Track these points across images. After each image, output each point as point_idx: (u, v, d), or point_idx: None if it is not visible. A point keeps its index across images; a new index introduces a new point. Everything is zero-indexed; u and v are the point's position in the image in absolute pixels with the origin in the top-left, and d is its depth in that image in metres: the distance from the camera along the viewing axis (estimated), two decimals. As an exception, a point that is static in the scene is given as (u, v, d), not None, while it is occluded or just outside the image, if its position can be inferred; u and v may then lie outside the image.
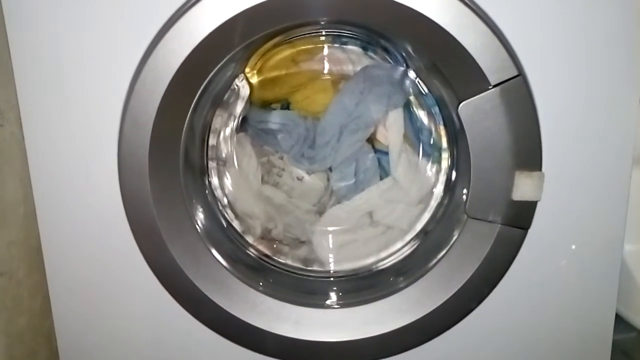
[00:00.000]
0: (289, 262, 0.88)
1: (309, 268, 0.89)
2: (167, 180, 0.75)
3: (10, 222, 0.77)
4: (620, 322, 0.87)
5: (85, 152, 0.74)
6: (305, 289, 0.87)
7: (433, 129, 0.86)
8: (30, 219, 0.79)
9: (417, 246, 0.87)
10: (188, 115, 0.73)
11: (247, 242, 0.88)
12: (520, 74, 0.69)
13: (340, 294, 0.85)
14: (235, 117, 0.86)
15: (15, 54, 0.71)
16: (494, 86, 0.69)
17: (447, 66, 0.72)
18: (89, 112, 0.73)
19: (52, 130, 0.74)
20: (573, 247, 0.78)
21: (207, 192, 0.87)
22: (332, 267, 0.89)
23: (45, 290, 0.82)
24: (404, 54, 0.82)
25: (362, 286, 0.86)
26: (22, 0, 0.69)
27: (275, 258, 0.88)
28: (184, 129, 0.74)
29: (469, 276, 0.77)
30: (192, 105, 0.73)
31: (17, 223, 0.78)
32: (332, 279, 0.88)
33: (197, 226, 0.78)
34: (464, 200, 0.75)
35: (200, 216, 0.82)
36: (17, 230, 0.78)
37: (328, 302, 0.83)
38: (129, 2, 0.69)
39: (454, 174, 0.85)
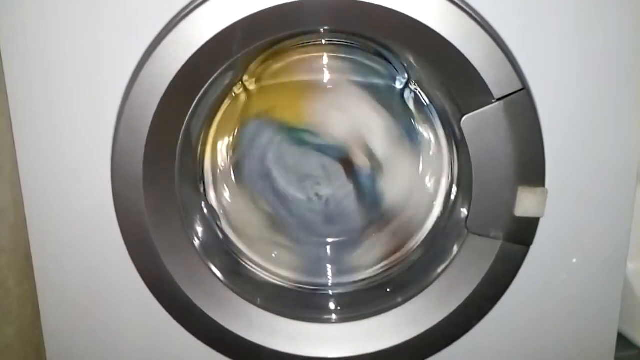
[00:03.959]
0: (286, 274, 0.87)
1: (306, 280, 0.87)
2: (162, 191, 0.73)
3: (0, 229, 0.76)
4: (620, 339, 0.85)
5: (78, 160, 0.72)
6: (302, 302, 0.85)
7: (433, 141, 0.84)
8: (21, 226, 0.77)
9: (417, 260, 0.85)
10: (184, 124, 0.72)
11: (243, 254, 0.86)
12: (525, 88, 0.68)
13: (338, 308, 0.83)
14: (233, 127, 0.84)
15: (7, 59, 0.69)
16: (498, 100, 0.68)
17: (450, 78, 0.70)
18: (82, 119, 0.71)
19: (44, 138, 0.72)
20: (574, 260, 0.76)
21: (203, 203, 0.85)
22: (330, 280, 0.88)
23: (35, 300, 0.80)
24: (405, 64, 0.81)
25: (361, 300, 0.84)
26: (14, 5, 0.67)
27: (272, 270, 0.86)
28: (180, 138, 0.72)
29: (469, 293, 0.75)
30: (189, 114, 0.72)
31: (6, 230, 0.76)
32: (330, 292, 0.86)
33: (192, 238, 0.77)
34: (465, 215, 0.74)
35: (196, 228, 0.80)
36: (6, 237, 0.77)
37: (325, 316, 0.81)
38: (125, 8, 0.67)
39: (454, 188, 0.84)
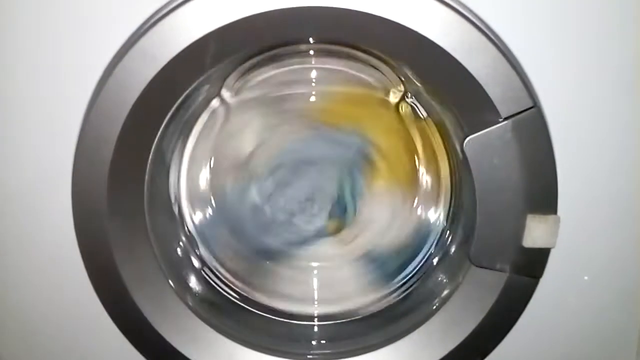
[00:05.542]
0: (269, 303, 0.79)
1: (291, 310, 0.80)
2: (130, 218, 0.66)
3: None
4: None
5: (36, 187, 0.65)
6: (285, 335, 0.77)
7: (431, 162, 0.77)
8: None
9: (412, 292, 0.78)
10: (154, 145, 0.64)
11: (224, 282, 0.79)
12: (535, 106, 0.61)
13: (323, 342, 0.77)
14: (211, 144, 0.76)
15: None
16: (505, 119, 0.61)
17: (452, 95, 0.63)
18: (38, 141, 0.64)
19: (-1, 165, 0.65)
20: (585, 277, 0.70)
21: (178, 230, 0.77)
22: (316, 310, 0.80)
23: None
24: (401, 77, 0.73)
25: (349, 334, 0.77)
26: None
27: (254, 299, 0.79)
28: (150, 160, 0.65)
29: (471, 330, 0.68)
30: (159, 134, 0.64)
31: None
32: (316, 323, 0.79)
33: (165, 269, 0.69)
34: (468, 245, 0.66)
35: (169, 257, 0.73)
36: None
37: (311, 351, 0.75)
38: (85, 17, 0.59)
39: (455, 215, 0.77)
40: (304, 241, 0.80)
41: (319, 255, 0.81)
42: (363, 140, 0.77)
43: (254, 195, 0.78)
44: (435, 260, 0.79)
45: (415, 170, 0.78)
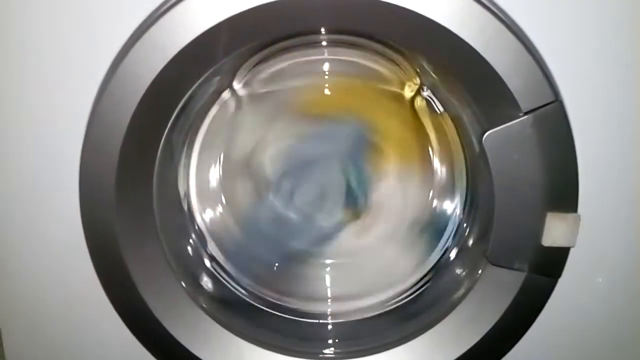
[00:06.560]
0: (281, 301, 0.78)
1: (303, 309, 0.78)
2: (138, 214, 0.65)
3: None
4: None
5: (42, 184, 0.64)
6: (298, 334, 0.76)
7: (446, 158, 0.75)
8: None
9: (428, 289, 0.76)
10: (163, 140, 0.63)
11: (234, 279, 0.77)
12: (557, 100, 0.59)
13: (337, 341, 0.75)
14: (222, 138, 0.74)
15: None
16: (526, 113, 0.59)
17: (471, 88, 0.61)
18: (45, 137, 0.62)
19: (5, 159, 0.64)
20: (600, 279, 0.68)
21: (188, 226, 0.76)
22: (329, 308, 0.79)
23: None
24: (417, 69, 0.71)
25: (363, 332, 0.76)
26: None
27: (265, 297, 0.78)
28: (159, 154, 0.63)
29: (487, 330, 0.66)
30: (168, 128, 0.63)
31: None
32: (329, 325, 0.78)
33: (174, 266, 0.68)
34: (485, 243, 0.65)
35: (179, 254, 0.71)
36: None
37: (324, 350, 0.73)
38: (94, 6, 0.58)
39: (471, 211, 0.75)
40: (324, 238, 0.79)
41: (335, 252, 0.80)
42: (365, 127, 0.75)
43: (264, 193, 0.76)
44: (452, 255, 0.77)
45: (429, 161, 0.77)
